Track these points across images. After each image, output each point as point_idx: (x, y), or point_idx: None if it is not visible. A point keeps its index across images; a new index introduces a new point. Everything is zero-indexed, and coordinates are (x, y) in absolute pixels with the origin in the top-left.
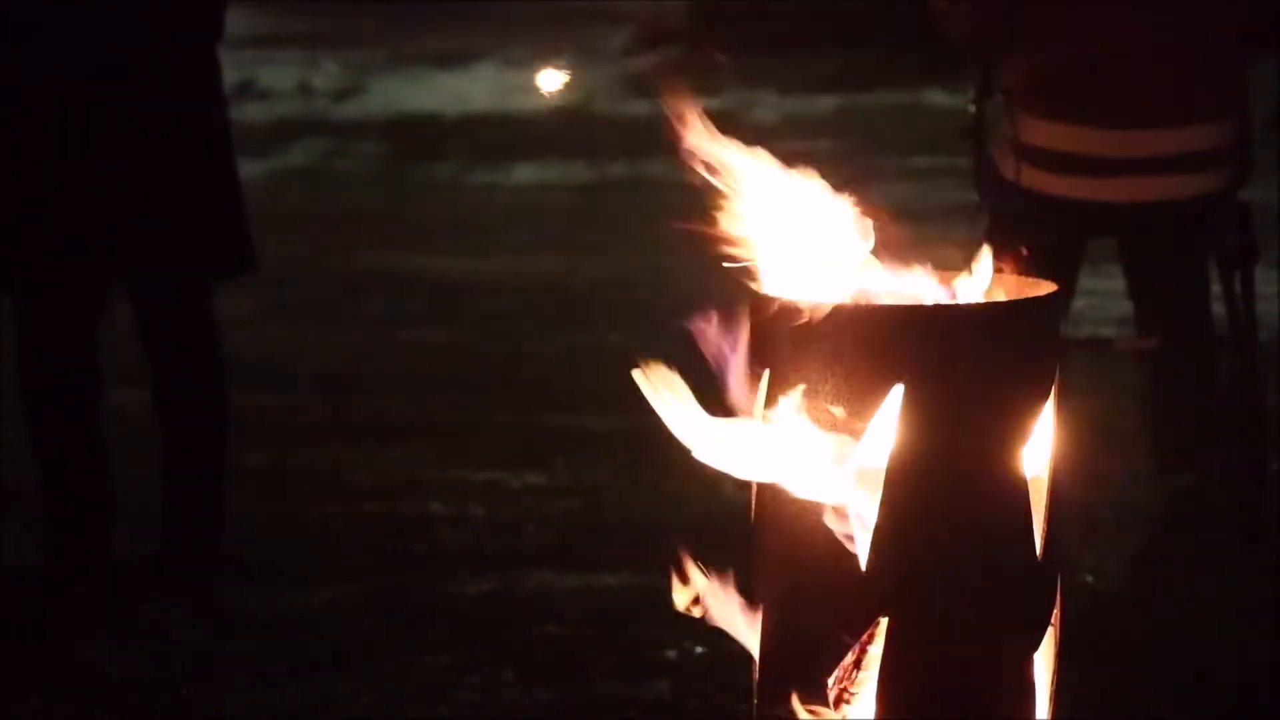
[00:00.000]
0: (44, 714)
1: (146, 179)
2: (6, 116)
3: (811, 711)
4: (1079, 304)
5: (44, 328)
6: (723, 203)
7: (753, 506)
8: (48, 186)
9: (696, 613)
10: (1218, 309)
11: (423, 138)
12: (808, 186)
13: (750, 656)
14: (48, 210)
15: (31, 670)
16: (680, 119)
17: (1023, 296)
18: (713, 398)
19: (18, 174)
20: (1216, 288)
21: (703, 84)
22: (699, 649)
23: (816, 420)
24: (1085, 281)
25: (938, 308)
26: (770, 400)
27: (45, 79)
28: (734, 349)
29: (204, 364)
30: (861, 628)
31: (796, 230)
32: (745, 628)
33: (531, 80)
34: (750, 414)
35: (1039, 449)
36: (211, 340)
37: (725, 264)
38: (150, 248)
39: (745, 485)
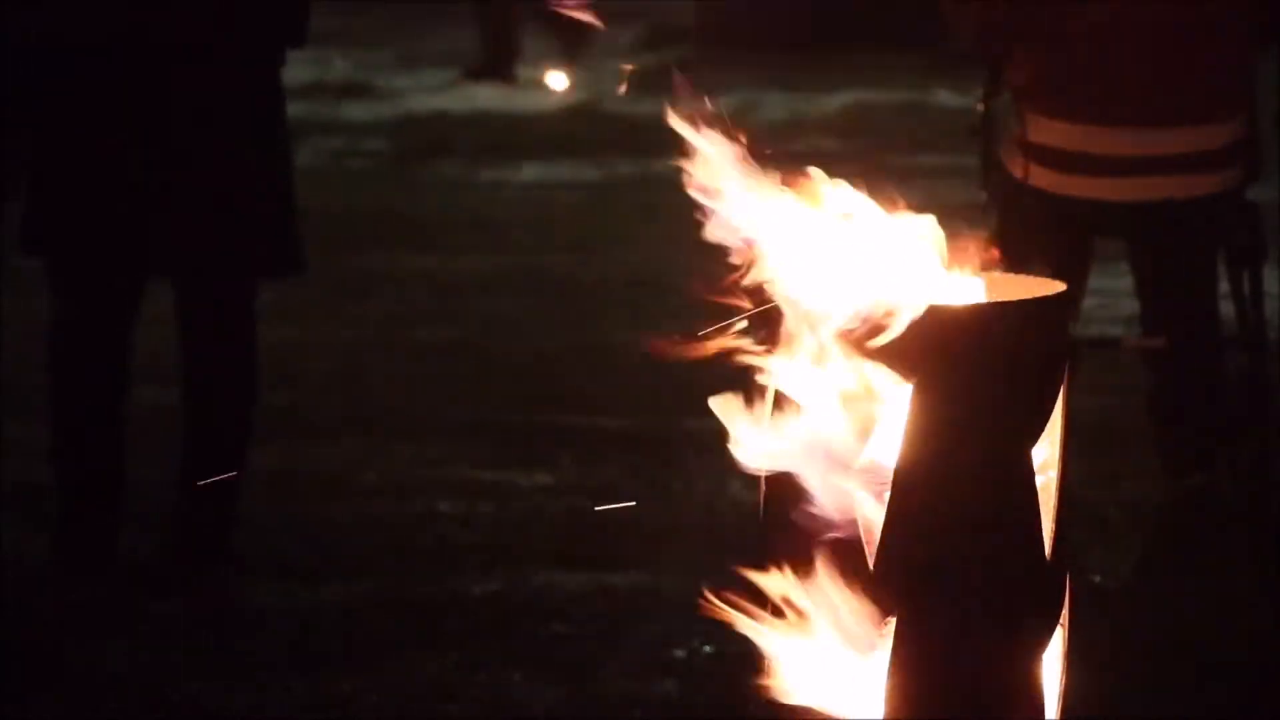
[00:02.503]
0: (52, 710)
1: (201, 174)
2: (71, 99)
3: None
4: (1087, 303)
5: (79, 319)
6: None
7: (762, 506)
8: (102, 169)
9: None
10: (1226, 308)
11: (430, 136)
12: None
13: (759, 655)
14: (99, 192)
15: (40, 666)
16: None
17: (1032, 296)
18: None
19: (74, 153)
20: (1224, 287)
21: (710, 82)
22: (707, 648)
23: (826, 418)
24: (1093, 280)
25: (947, 308)
26: (780, 400)
27: (111, 66)
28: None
29: (239, 364)
30: (870, 628)
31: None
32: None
33: (539, 79)
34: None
35: (1048, 448)
36: (249, 341)
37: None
38: (199, 243)
39: (754, 484)
